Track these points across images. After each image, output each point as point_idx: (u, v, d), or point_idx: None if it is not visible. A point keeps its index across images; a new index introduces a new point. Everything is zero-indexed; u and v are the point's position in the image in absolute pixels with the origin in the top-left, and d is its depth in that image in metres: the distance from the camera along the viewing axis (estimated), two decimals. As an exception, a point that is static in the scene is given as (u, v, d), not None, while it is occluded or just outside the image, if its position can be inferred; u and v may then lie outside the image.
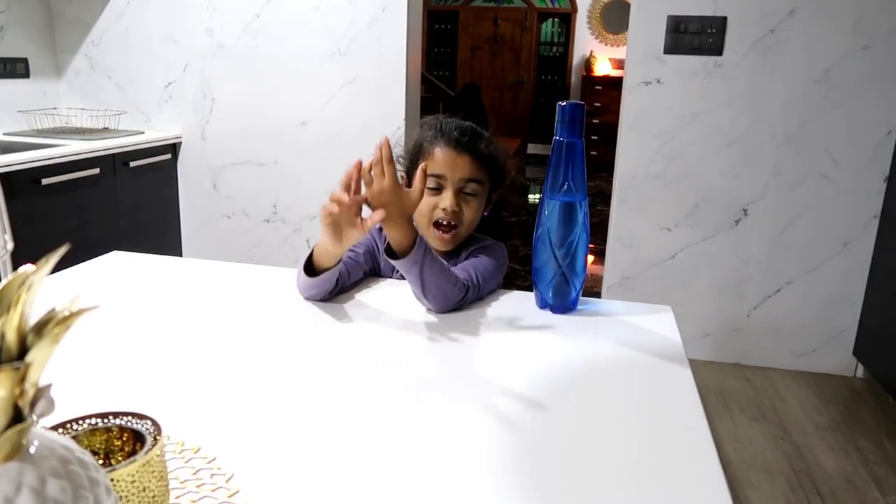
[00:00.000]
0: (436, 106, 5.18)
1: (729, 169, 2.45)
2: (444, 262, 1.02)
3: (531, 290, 1.11)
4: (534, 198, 5.89)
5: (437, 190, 1.14)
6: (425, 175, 0.96)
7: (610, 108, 6.87)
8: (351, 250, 1.17)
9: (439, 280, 1.00)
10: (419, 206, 1.12)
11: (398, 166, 1.22)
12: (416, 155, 1.18)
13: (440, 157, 1.13)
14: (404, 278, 1.21)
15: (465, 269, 1.10)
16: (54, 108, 2.80)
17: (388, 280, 1.22)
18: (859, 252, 2.44)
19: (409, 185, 1.16)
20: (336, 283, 1.05)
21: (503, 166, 1.18)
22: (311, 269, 1.03)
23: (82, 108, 2.83)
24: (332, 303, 1.08)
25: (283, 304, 1.07)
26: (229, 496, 0.59)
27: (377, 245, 1.22)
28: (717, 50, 2.36)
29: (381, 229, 1.24)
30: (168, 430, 0.62)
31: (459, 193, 1.13)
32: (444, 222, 1.13)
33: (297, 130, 2.71)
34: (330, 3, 2.57)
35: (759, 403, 2.33)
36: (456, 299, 1.04)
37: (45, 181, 2.16)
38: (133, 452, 0.53)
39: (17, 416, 0.35)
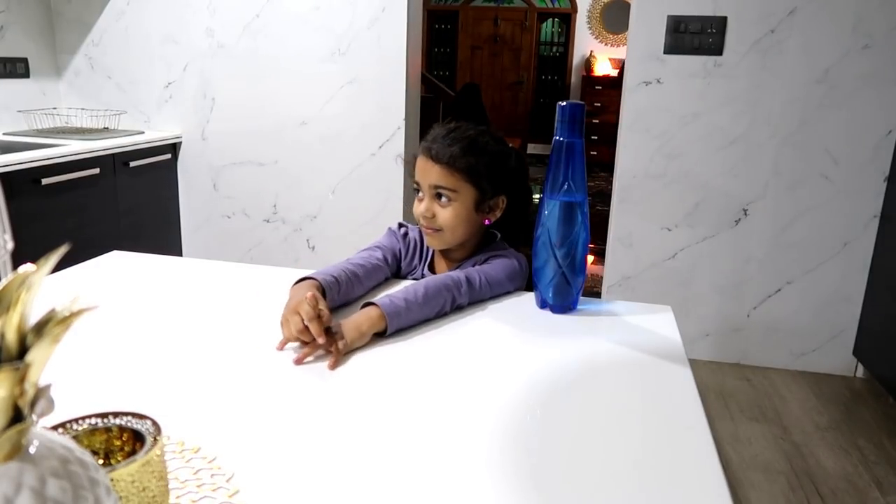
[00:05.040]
0: (436, 106, 5.17)
1: (729, 169, 2.45)
2: (423, 294, 1.02)
3: (531, 290, 1.11)
4: (534, 198, 5.88)
5: (419, 194, 1.20)
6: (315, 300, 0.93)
7: (610, 108, 6.87)
8: (378, 250, 1.22)
9: (433, 310, 1.03)
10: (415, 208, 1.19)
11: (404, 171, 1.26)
12: (412, 163, 1.23)
13: (418, 165, 1.18)
14: (419, 278, 1.23)
15: (474, 274, 1.11)
16: (54, 108, 2.80)
17: (398, 281, 1.22)
18: (859, 252, 2.44)
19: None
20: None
21: (491, 174, 1.18)
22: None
23: (82, 108, 2.83)
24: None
25: (283, 304, 1.07)
26: (229, 496, 0.59)
27: (402, 250, 1.26)
28: (717, 50, 2.36)
29: (406, 235, 1.27)
30: (168, 430, 0.62)
31: (435, 199, 1.17)
32: (425, 227, 1.19)
33: (297, 130, 2.71)
34: (330, 3, 2.57)
35: (759, 403, 2.33)
36: (457, 303, 1.07)
37: (45, 181, 2.16)
38: (133, 452, 0.53)
39: (17, 416, 0.35)
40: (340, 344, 0.89)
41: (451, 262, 1.24)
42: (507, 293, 1.16)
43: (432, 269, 1.26)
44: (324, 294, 1.01)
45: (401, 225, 1.30)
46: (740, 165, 2.44)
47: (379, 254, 1.21)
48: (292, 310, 0.92)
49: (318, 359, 0.89)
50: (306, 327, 0.88)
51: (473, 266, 1.17)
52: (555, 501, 0.60)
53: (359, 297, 1.11)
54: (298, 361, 0.88)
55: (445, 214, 1.16)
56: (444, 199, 1.16)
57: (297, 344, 0.91)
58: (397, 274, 1.26)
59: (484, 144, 1.18)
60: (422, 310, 1.01)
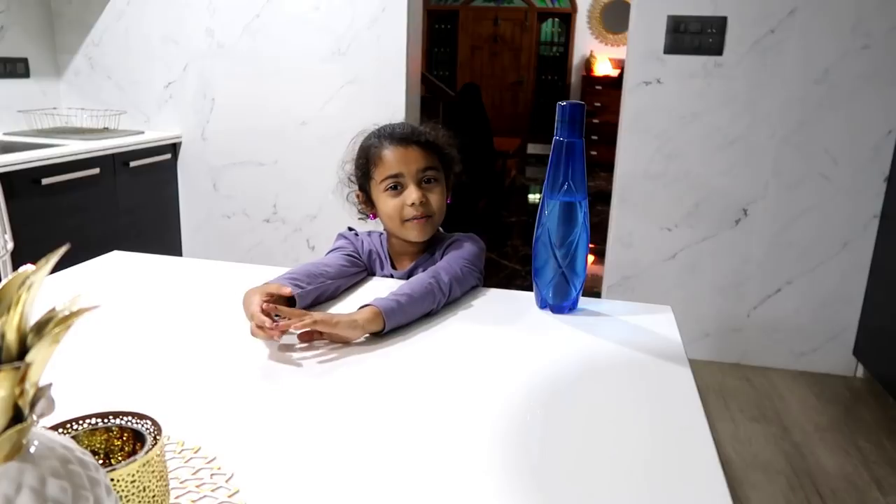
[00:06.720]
0: (436, 106, 5.17)
1: (729, 169, 2.45)
2: (411, 293, 1.00)
3: (531, 290, 1.11)
4: (534, 198, 5.88)
5: (397, 189, 1.15)
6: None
7: (610, 108, 6.87)
8: (338, 249, 1.20)
9: (423, 306, 1.01)
10: (387, 210, 1.16)
11: (352, 184, 1.24)
12: (365, 166, 1.20)
13: (391, 158, 1.15)
14: (394, 277, 1.22)
15: (445, 265, 1.10)
16: (54, 108, 2.80)
17: (386, 279, 1.22)
18: (859, 252, 2.44)
19: (368, 199, 1.19)
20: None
21: (448, 152, 1.20)
22: None
23: (82, 108, 2.83)
24: (332, 302, 1.08)
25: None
26: (229, 496, 0.59)
27: (357, 247, 1.23)
28: (717, 50, 2.36)
29: (356, 234, 1.25)
30: (168, 430, 0.62)
31: (421, 184, 1.15)
32: (417, 217, 1.14)
33: (297, 130, 2.71)
34: (330, 3, 2.57)
35: (759, 403, 2.33)
36: (446, 294, 1.05)
37: (45, 181, 2.16)
38: (133, 452, 0.53)
39: (17, 416, 0.35)
40: (317, 315, 0.89)
41: (413, 255, 1.21)
42: (504, 291, 1.16)
43: (395, 270, 1.24)
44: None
45: (350, 228, 1.28)
46: (740, 165, 2.44)
47: (339, 251, 1.18)
48: (253, 321, 0.91)
49: (317, 360, 0.89)
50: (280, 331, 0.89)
51: (438, 257, 1.15)
52: (555, 501, 0.60)
53: (337, 282, 1.10)
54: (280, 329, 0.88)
55: (435, 197, 1.16)
56: (431, 181, 1.15)
57: (297, 343, 0.92)
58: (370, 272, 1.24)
59: (428, 129, 1.19)
60: (414, 306, 0.99)
